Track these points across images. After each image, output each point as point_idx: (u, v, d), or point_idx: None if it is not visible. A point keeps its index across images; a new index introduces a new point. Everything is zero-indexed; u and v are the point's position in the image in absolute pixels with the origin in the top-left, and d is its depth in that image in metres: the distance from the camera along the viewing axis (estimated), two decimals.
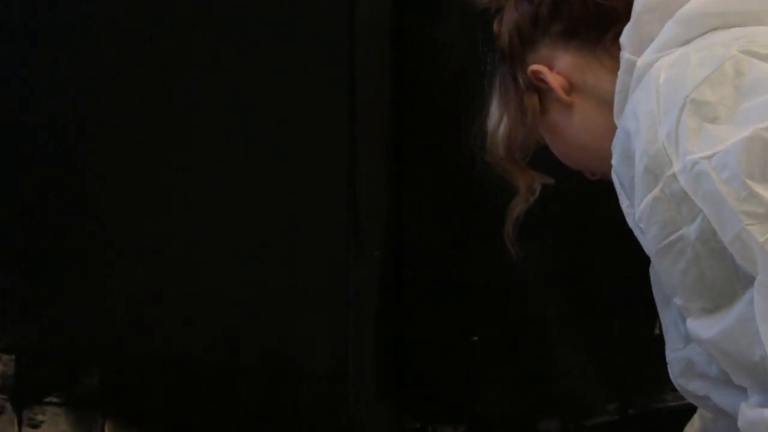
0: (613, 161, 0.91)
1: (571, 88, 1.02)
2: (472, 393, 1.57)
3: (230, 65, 1.64)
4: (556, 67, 1.03)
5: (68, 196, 1.72)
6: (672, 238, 0.82)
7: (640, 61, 0.91)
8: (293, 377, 1.60)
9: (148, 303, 1.67)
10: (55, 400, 1.70)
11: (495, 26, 1.10)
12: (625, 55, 0.94)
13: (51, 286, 1.71)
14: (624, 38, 0.94)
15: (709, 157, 0.79)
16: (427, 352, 1.59)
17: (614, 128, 0.95)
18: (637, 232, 0.90)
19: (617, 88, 0.95)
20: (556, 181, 1.09)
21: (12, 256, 1.74)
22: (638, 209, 0.85)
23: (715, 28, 0.89)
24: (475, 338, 1.56)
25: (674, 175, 0.81)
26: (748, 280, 0.78)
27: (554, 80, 1.02)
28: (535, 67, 1.03)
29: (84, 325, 1.70)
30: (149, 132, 1.68)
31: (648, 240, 0.85)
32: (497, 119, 1.07)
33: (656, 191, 0.82)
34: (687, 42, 0.89)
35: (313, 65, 1.60)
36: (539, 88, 1.04)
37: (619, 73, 0.95)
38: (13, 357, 1.73)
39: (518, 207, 1.09)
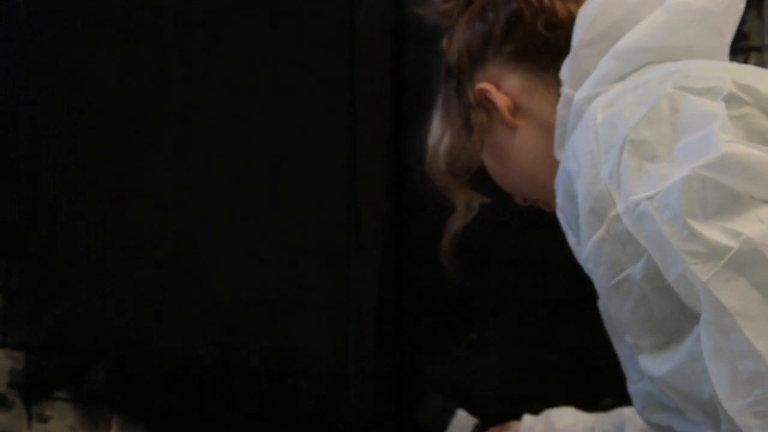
0: (558, 200, 0.90)
1: (516, 110, 1.00)
2: (469, 389, 1.58)
3: (230, 66, 1.64)
4: (504, 87, 1.00)
5: (74, 196, 1.73)
6: (619, 278, 0.81)
7: (577, 96, 0.89)
8: (294, 375, 1.61)
9: (152, 302, 1.68)
10: (63, 395, 1.72)
11: (444, 42, 1.08)
12: (564, 89, 0.93)
13: (59, 285, 1.73)
14: (563, 72, 0.93)
15: (650, 198, 0.77)
16: (426, 349, 1.59)
17: (553, 158, 0.94)
18: (587, 270, 0.89)
19: (557, 122, 0.93)
20: None
21: (20, 256, 1.75)
22: (585, 250, 0.84)
23: (650, 63, 0.88)
24: (474, 336, 1.57)
25: (618, 216, 0.80)
26: (694, 317, 0.77)
27: (500, 100, 1.00)
28: (482, 85, 1.01)
29: (90, 323, 1.71)
30: (151, 132, 1.68)
31: (597, 280, 0.84)
32: (439, 135, 1.05)
33: (601, 232, 0.81)
34: (623, 77, 0.88)
35: (313, 65, 1.59)
36: (484, 107, 1.01)
37: (558, 107, 0.93)
38: (23, 353, 1.75)
39: (456, 224, 1.08)
